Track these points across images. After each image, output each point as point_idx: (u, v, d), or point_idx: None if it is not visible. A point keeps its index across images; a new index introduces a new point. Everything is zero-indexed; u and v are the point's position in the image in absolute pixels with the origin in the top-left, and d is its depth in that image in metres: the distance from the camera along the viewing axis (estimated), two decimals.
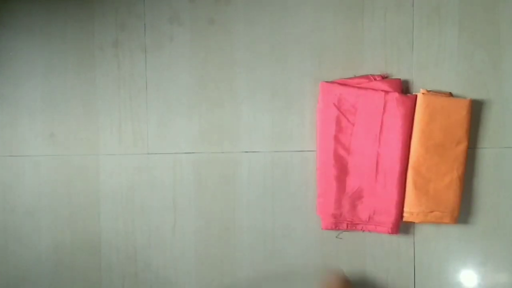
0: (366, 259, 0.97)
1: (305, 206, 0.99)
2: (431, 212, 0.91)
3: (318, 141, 0.97)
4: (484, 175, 0.94)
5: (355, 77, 0.97)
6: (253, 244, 1.02)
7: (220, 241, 1.03)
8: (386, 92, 0.92)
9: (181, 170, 1.04)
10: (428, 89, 0.93)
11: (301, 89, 0.99)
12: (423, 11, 0.95)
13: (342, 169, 0.95)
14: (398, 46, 0.96)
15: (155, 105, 1.05)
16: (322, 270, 0.97)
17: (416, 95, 0.92)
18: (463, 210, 0.93)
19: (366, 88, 0.94)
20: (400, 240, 0.96)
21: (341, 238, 0.98)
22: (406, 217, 0.93)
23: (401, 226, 0.95)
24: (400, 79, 0.95)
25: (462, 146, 0.90)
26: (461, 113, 0.90)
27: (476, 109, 0.92)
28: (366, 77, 0.96)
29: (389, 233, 0.94)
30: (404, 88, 0.95)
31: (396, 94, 0.91)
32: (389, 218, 0.93)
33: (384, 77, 0.95)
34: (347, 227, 0.96)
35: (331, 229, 0.97)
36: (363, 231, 0.96)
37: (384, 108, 0.92)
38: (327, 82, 0.97)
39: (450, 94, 0.93)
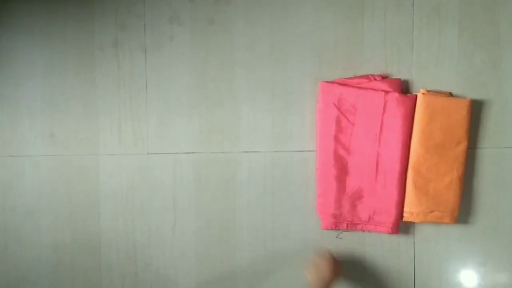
0: (366, 259, 0.97)
1: (305, 206, 0.99)
2: (431, 212, 0.91)
3: (318, 141, 0.97)
4: (484, 175, 0.94)
5: (355, 77, 0.96)
6: (253, 244, 1.02)
7: (220, 241, 1.03)
8: (386, 92, 0.92)
9: (181, 170, 1.04)
10: (428, 89, 0.93)
11: (301, 89, 0.99)
12: (423, 11, 0.95)
13: (342, 169, 0.95)
14: (398, 46, 0.96)
15: (155, 105, 1.05)
16: (311, 252, 0.97)
17: (416, 95, 0.92)
18: (463, 210, 0.93)
19: (366, 88, 0.94)
20: (400, 240, 0.96)
21: (341, 238, 0.98)
22: (406, 217, 0.93)
23: (401, 226, 0.95)
24: (400, 79, 0.95)
25: (462, 146, 0.90)
26: (461, 113, 0.90)
27: (476, 109, 0.92)
28: (366, 77, 0.96)
29: (389, 233, 0.94)
30: (404, 88, 0.95)
31: (396, 94, 0.91)
32: (389, 218, 0.93)
33: (384, 77, 0.95)
34: (347, 227, 0.96)
35: (331, 229, 0.97)
36: (363, 231, 0.96)
37: (384, 108, 0.92)
38: (327, 82, 0.97)
39: (450, 94, 0.93)
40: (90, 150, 1.08)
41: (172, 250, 1.05)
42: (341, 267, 0.93)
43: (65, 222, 1.10)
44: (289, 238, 1.00)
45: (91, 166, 1.08)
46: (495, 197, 0.94)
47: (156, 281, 1.06)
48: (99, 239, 1.08)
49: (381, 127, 0.93)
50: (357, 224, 0.96)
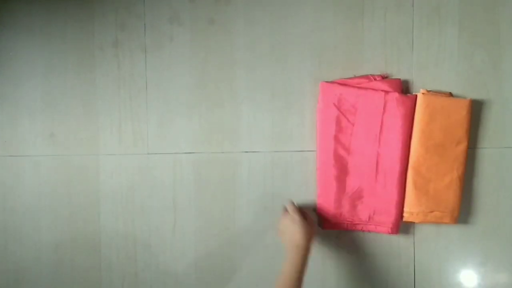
0: (366, 259, 0.97)
1: (305, 206, 0.99)
2: (431, 212, 0.91)
3: (318, 141, 0.97)
4: (484, 175, 0.94)
5: (355, 77, 0.97)
6: (253, 244, 1.02)
7: (220, 241, 1.03)
8: (386, 92, 0.92)
9: (181, 170, 1.04)
10: (428, 89, 0.93)
11: (301, 89, 0.99)
12: (423, 11, 0.95)
13: (342, 169, 0.95)
14: (398, 46, 0.96)
15: (155, 105, 1.05)
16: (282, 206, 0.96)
17: (416, 95, 0.92)
18: (463, 210, 0.93)
19: (366, 88, 0.94)
20: (400, 240, 0.96)
21: (341, 238, 0.98)
22: (406, 217, 0.93)
23: (401, 226, 0.95)
24: (400, 79, 0.95)
25: (462, 146, 0.90)
26: (461, 113, 0.90)
27: (476, 109, 0.92)
28: (366, 77, 0.96)
29: (389, 233, 0.94)
30: (404, 88, 0.95)
31: (396, 94, 0.91)
32: (389, 218, 0.93)
33: (384, 77, 0.95)
34: (347, 227, 0.96)
35: (331, 229, 0.97)
36: (363, 231, 0.96)
37: (384, 108, 0.92)
38: (327, 82, 0.97)
39: (450, 94, 0.93)
40: (90, 150, 1.08)
41: (172, 250, 1.05)
42: (313, 225, 0.92)
43: (65, 222, 1.10)
44: None
45: (91, 166, 1.08)
46: (495, 197, 0.94)
47: (156, 281, 1.06)
48: (99, 239, 1.08)
49: (381, 127, 0.93)
50: (357, 224, 0.96)
